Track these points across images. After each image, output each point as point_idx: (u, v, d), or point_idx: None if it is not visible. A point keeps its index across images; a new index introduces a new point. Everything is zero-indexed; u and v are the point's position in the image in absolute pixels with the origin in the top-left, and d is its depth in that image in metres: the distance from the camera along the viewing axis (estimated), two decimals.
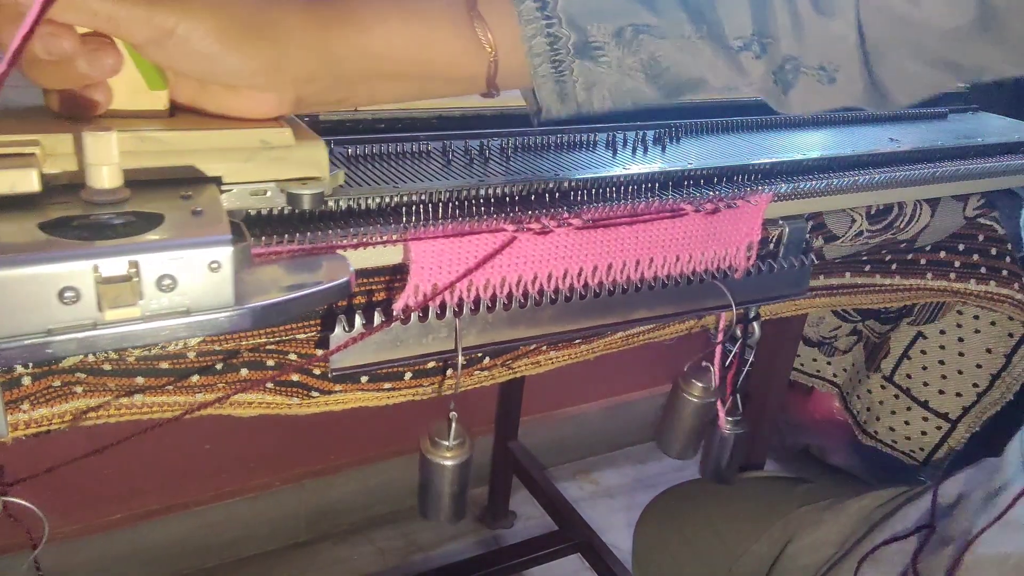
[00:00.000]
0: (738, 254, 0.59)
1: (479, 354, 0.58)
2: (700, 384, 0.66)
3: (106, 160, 0.35)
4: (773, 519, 0.79)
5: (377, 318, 0.48)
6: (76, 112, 0.40)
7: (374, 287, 0.50)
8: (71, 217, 0.34)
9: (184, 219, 0.35)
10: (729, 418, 0.70)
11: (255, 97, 0.42)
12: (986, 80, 0.52)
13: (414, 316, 0.49)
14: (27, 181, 0.35)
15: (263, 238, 0.43)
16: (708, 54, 0.48)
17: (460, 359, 0.51)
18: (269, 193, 0.42)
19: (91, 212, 0.35)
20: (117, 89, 0.40)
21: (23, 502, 0.46)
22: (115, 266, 0.32)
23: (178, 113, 0.43)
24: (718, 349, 0.65)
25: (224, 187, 0.41)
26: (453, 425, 0.53)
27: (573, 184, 0.54)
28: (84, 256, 0.32)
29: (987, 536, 0.60)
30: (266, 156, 0.41)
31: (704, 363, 0.66)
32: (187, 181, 0.39)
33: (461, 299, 0.50)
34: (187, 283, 0.34)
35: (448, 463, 0.53)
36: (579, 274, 0.53)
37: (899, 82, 0.51)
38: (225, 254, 0.34)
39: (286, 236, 0.43)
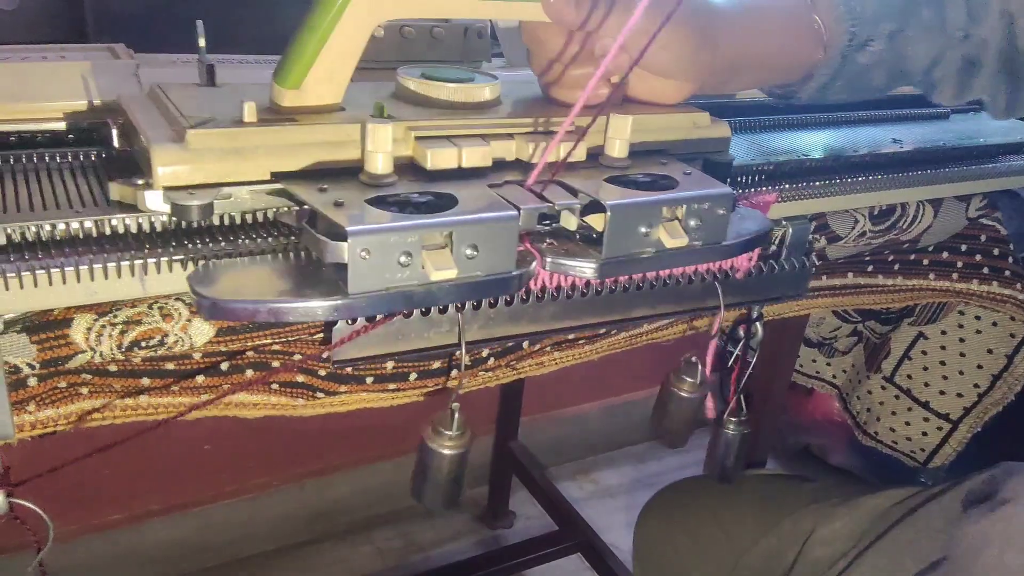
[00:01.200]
0: (740, 256, 0.59)
1: (483, 354, 0.58)
2: (689, 379, 0.66)
3: (621, 135, 0.48)
4: (782, 514, 0.79)
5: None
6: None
7: None
8: (622, 177, 0.47)
9: (682, 178, 0.48)
10: (733, 419, 0.69)
11: (678, 87, 0.53)
12: None
13: (416, 310, 0.49)
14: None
15: None
16: (932, 45, 0.59)
17: (463, 356, 0.51)
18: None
19: (621, 175, 0.47)
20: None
21: (28, 503, 0.46)
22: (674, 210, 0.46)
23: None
24: (712, 344, 0.65)
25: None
26: (455, 415, 0.53)
27: None
28: (657, 203, 0.45)
29: None
30: (696, 133, 0.54)
31: (694, 358, 0.66)
32: (650, 152, 0.51)
33: None
34: (705, 222, 0.46)
35: (447, 452, 0.53)
36: None
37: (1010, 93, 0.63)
38: (728, 201, 0.47)
39: None
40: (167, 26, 0.81)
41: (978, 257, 0.82)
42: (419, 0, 0.48)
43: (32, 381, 0.44)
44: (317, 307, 0.38)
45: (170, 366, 0.47)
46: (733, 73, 0.56)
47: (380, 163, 0.42)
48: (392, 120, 0.43)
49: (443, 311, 0.50)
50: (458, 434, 0.53)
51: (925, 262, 0.81)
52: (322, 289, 0.39)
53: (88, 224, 0.39)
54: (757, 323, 0.70)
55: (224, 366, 0.49)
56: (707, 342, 0.68)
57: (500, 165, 0.47)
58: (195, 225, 0.42)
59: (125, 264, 0.38)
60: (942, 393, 0.96)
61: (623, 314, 0.57)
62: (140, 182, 0.40)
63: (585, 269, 0.45)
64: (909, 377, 0.98)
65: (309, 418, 0.55)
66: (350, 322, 0.47)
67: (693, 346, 0.71)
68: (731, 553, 0.80)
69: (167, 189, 0.39)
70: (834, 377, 1.10)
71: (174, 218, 0.40)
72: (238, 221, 0.43)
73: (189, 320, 0.44)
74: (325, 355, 0.51)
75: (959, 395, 0.95)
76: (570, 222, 0.46)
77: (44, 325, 0.41)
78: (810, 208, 0.65)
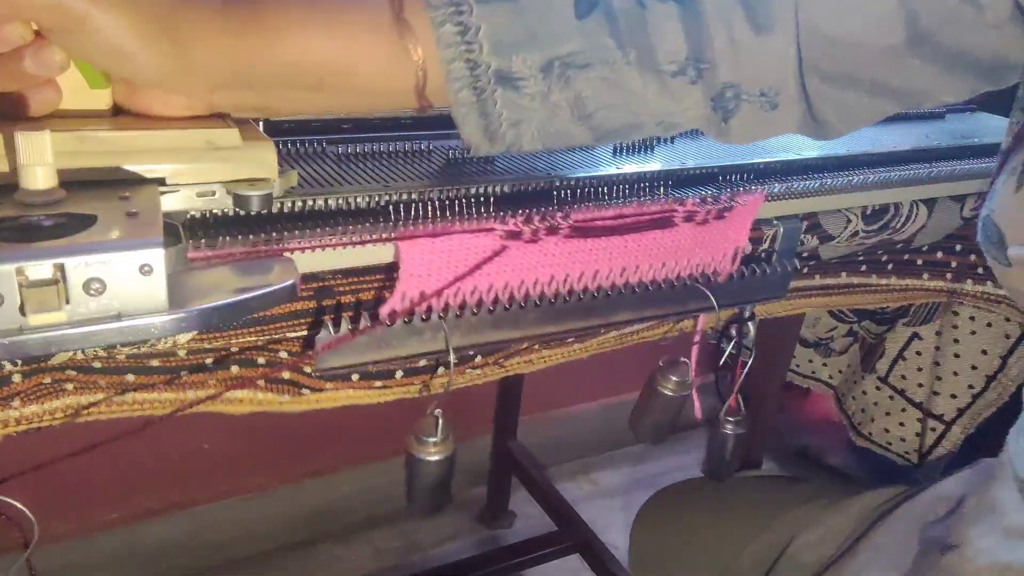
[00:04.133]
0: (724, 260, 0.59)
1: (471, 352, 0.58)
2: (675, 378, 0.66)
3: (40, 160, 0.35)
4: (775, 517, 0.79)
5: (364, 321, 0.48)
6: (18, 113, 0.39)
7: (363, 287, 0.50)
8: (0, 219, 0.34)
9: (118, 220, 0.35)
10: (730, 418, 0.70)
11: (165, 98, 0.41)
12: (927, 107, 0.50)
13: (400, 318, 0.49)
14: None
15: (209, 240, 0.42)
16: (636, 82, 0.47)
17: (452, 359, 0.51)
18: (217, 195, 0.41)
19: (23, 213, 0.34)
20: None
21: (11, 500, 0.46)
22: (40, 270, 0.32)
23: (123, 113, 0.43)
24: (694, 348, 0.65)
25: (169, 188, 0.40)
26: (439, 422, 0.53)
27: (566, 183, 0.54)
28: (8, 260, 0.31)
29: (984, 545, 0.58)
30: (213, 156, 0.41)
31: (682, 358, 0.66)
32: (127, 182, 0.39)
33: (448, 304, 0.50)
34: (117, 287, 0.33)
35: (429, 459, 0.53)
36: (565, 280, 0.53)
37: (837, 108, 0.51)
38: (156, 256, 0.33)
39: (228, 239, 0.42)
40: None
41: (972, 257, 0.82)
42: None
43: (16, 377, 0.44)
44: None
45: (155, 363, 0.48)
46: (270, 88, 0.43)
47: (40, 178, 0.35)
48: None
49: (426, 319, 0.50)
50: (441, 440, 0.53)
51: (919, 262, 0.81)
52: None
53: None
54: (749, 323, 0.70)
55: (209, 362, 0.49)
56: (701, 340, 0.68)
57: None
58: None
59: None
60: (936, 394, 0.96)
61: (606, 318, 0.57)
62: None
63: None
64: (903, 377, 0.98)
65: (307, 417, 0.55)
66: (332, 330, 0.47)
67: (689, 344, 0.71)
68: (725, 554, 0.80)
69: None
70: (830, 377, 1.09)
71: None
72: None
73: None
74: (309, 369, 0.51)
75: (953, 396, 0.95)
76: None
77: None
78: (802, 208, 0.65)
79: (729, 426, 0.72)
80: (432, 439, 0.52)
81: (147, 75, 0.39)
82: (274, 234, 0.44)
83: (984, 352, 0.92)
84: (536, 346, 0.61)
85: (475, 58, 0.43)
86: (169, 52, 0.39)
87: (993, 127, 0.84)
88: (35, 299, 0.32)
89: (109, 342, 0.34)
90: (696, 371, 0.67)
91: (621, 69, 0.46)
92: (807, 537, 0.74)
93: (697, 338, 0.64)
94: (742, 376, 0.69)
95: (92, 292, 0.33)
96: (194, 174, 0.41)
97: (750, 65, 0.48)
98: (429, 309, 0.49)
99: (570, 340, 0.63)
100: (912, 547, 0.64)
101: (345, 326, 0.47)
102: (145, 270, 0.33)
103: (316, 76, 0.43)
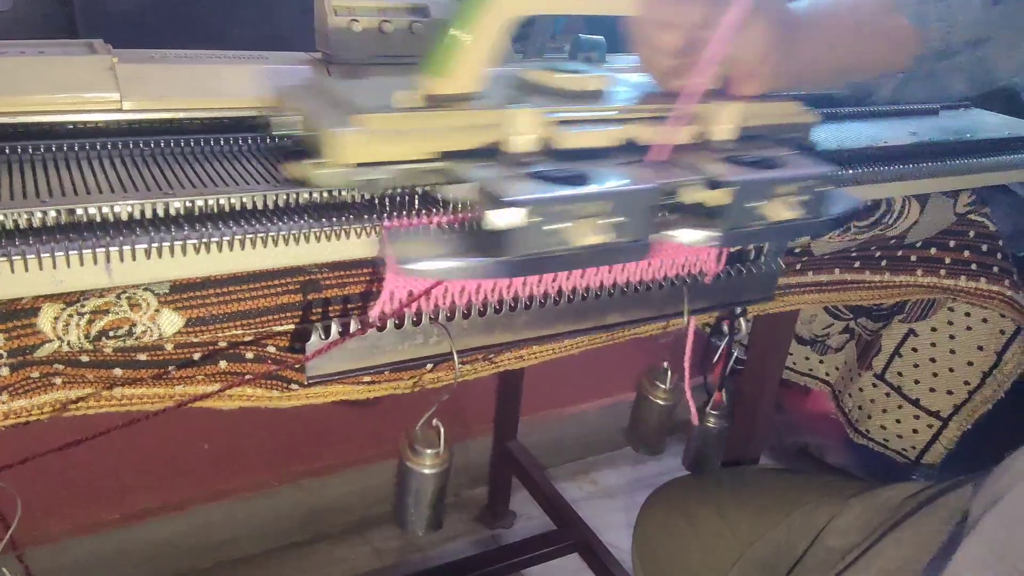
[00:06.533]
0: (709, 258, 0.59)
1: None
2: (661, 386, 0.67)
3: (732, 121, 0.53)
4: (792, 508, 0.78)
5: (353, 325, 0.48)
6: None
7: (349, 280, 0.50)
8: (735, 157, 0.51)
9: (786, 159, 0.51)
10: (714, 412, 0.70)
11: (752, 84, 0.57)
12: None
13: (390, 323, 0.49)
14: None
15: None
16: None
17: (429, 367, 0.51)
18: None
19: (733, 155, 0.51)
20: None
21: None
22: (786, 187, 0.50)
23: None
24: (688, 351, 0.65)
25: None
26: (435, 432, 0.53)
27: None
28: (775, 180, 0.49)
29: None
30: (785, 120, 0.59)
31: (665, 364, 0.67)
32: (749, 137, 0.55)
33: (437, 306, 0.50)
34: (810, 198, 0.50)
35: (427, 471, 0.53)
36: (554, 279, 0.53)
37: None
38: (831, 179, 0.52)
39: None
40: (157, 24, 0.82)
41: (966, 253, 0.82)
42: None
43: (4, 371, 0.44)
44: (486, 264, 0.43)
45: (142, 357, 0.48)
46: (807, 75, 0.61)
47: (525, 144, 0.47)
48: (532, 106, 0.49)
49: (416, 323, 0.50)
50: (440, 451, 0.53)
51: (913, 258, 0.81)
52: (487, 252, 0.43)
53: (52, 213, 0.39)
54: (741, 319, 0.70)
55: (197, 356, 0.49)
56: (697, 339, 0.68)
57: (616, 147, 0.51)
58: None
59: (87, 252, 0.38)
60: (932, 390, 0.96)
61: (596, 321, 0.57)
62: (314, 162, 0.44)
63: (711, 238, 0.48)
64: (900, 374, 0.98)
65: (305, 417, 0.55)
66: (323, 336, 0.47)
67: (680, 341, 0.71)
68: (736, 545, 0.79)
69: (342, 166, 0.44)
70: (827, 375, 1.09)
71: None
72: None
73: (157, 310, 0.44)
74: (297, 366, 0.51)
75: (949, 392, 0.94)
76: (689, 197, 0.48)
77: (11, 314, 0.41)
78: None
79: (712, 420, 0.72)
80: (431, 450, 0.52)
81: (766, 73, 0.56)
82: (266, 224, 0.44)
83: (980, 348, 0.91)
84: None
85: (934, 38, 0.64)
86: (776, 59, 0.56)
87: (987, 123, 0.84)
88: None
89: None
90: (686, 372, 0.67)
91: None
92: (835, 524, 0.74)
93: (690, 340, 0.64)
94: (725, 370, 0.69)
95: None
96: (776, 132, 0.58)
97: None
98: (419, 313, 0.50)
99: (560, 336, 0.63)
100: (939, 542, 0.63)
101: (335, 331, 0.47)
102: (826, 185, 0.52)
103: (847, 67, 0.65)
